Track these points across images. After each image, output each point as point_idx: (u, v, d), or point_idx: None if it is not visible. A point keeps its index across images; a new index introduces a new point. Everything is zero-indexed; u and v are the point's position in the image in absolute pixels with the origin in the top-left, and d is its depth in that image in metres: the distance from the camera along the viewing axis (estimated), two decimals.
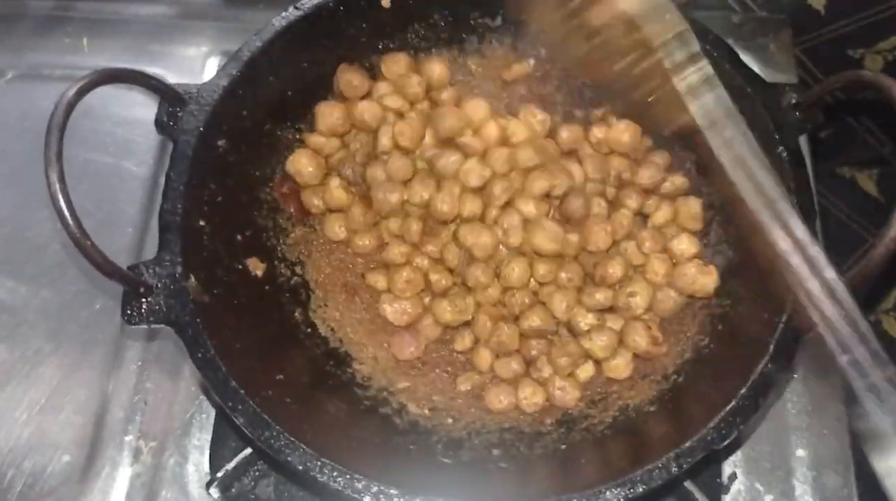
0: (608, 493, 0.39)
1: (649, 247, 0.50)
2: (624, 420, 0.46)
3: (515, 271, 0.48)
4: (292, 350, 0.48)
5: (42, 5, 0.68)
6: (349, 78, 0.53)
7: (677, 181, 0.53)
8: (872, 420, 0.36)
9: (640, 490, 0.39)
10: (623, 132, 0.52)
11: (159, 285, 0.42)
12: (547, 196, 0.50)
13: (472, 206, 0.49)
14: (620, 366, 0.48)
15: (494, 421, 0.48)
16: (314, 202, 0.52)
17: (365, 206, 0.51)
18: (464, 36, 0.55)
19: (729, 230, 0.51)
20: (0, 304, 0.56)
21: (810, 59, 0.75)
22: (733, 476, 0.52)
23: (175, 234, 0.43)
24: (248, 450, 0.48)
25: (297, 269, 0.52)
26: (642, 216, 0.53)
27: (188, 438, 0.52)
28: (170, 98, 0.46)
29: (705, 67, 0.43)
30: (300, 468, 0.39)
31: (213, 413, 0.52)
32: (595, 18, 0.44)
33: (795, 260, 0.39)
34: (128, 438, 0.52)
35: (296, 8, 0.50)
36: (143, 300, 0.42)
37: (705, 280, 0.49)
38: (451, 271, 0.50)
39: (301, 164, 0.52)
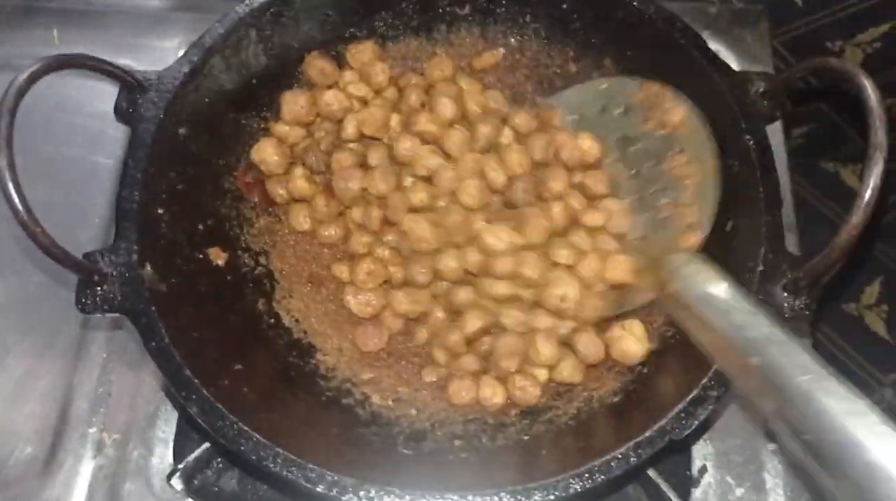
0: (566, 483, 0.38)
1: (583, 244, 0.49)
2: (588, 411, 0.46)
3: (451, 264, 0.47)
4: (254, 340, 0.48)
5: None
6: (321, 65, 0.52)
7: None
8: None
9: (599, 479, 0.39)
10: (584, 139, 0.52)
11: (114, 273, 0.42)
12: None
13: (421, 195, 0.48)
14: (568, 370, 0.48)
15: (459, 413, 0.48)
16: (279, 191, 0.52)
17: (329, 196, 0.51)
18: (432, 24, 0.55)
19: None
20: None
21: (789, 50, 0.75)
22: (703, 470, 0.51)
23: (131, 222, 0.43)
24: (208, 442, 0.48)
25: (262, 259, 0.51)
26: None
27: (153, 430, 0.52)
28: (129, 85, 0.46)
29: None
30: (253, 458, 0.38)
31: None
32: None
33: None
34: (91, 430, 0.51)
35: None
36: (98, 288, 0.41)
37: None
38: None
39: (266, 153, 0.51)
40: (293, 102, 0.51)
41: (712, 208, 0.47)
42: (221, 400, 0.40)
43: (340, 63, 0.54)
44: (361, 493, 0.38)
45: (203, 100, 0.48)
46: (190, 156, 0.48)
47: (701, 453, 0.52)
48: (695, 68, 0.49)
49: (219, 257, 0.49)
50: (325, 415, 0.46)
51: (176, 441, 0.51)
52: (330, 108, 0.52)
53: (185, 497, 0.49)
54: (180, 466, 0.48)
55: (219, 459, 0.50)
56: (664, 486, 0.48)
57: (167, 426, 0.52)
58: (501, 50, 0.55)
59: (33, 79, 0.39)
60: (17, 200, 0.37)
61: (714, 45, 0.65)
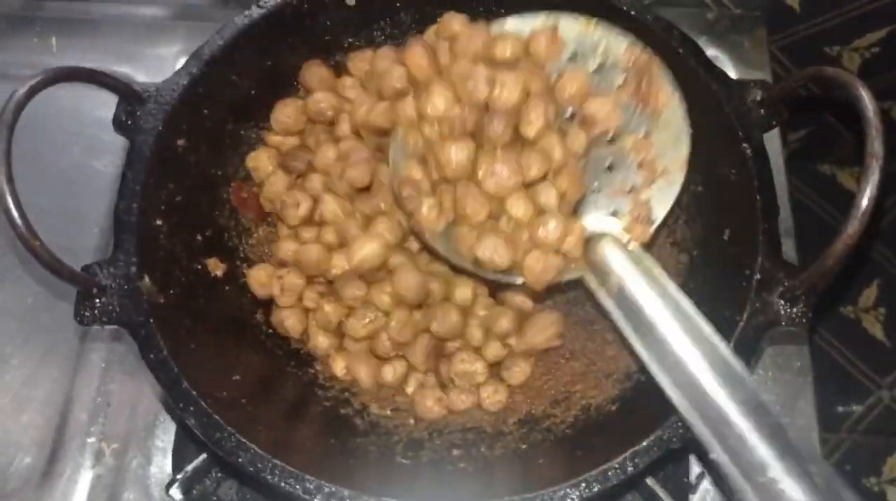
0: (563, 493, 0.39)
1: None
2: (585, 419, 0.46)
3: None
4: (252, 351, 0.48)
5: (10, 4, 0.67)
6: (320, 73, 0.52)
7: None
8: None
9: (596, 489, 0.39)
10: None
11: (113, 285, 0.42)
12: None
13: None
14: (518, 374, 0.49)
15: (457, 421, 0.48)
16: (268, 200, 0.52)
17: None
18: None
19: (694, 229, 0.50)
20: None
21: (787, 56, 0.75)
22: (701, 476, 0.51)
23: (130, 234, 0.43)
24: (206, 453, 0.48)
25: None
26: None
27: (151, 440, 0.52)
28: (128, 97, 0.46)
29: None
30: (251, 469, 0.39)
31: None
32: None
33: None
34: (90, 440, 0.52)
35: (259, 6, 0.50)
36: (97, 300, 0.41)
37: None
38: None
39: (260, 162, 0.51)
40: (280, 111, 0.51)
41: (672, 201, 0.46)
42: (219, 412, 0.40)
43: (338, 73, 0.54)
44: None
45: (202, 111, 0.48)
46: (188, 168, 0.48)
47: (698, 459, 0.52)
48: (692, 76, 0.49)
49: (217, 268, 0.49)
50: (323, 425, 0.46)
51: (175, 450, 0.51)
52: (319, 107, 0.51)
53: None
54: (179, 476, 0.48)
55: (218, 469, 0.50)
56: (661, 493, 0.48)
57: (166, 435, 0.52)
58: None
59: (32, 93, 0.39)
60: (16, 214, 0.37)
61: (712, 51, 0.66)
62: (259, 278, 0.49)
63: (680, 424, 0.40)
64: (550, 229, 0.43)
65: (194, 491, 0.49)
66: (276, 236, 0.52)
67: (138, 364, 0.53)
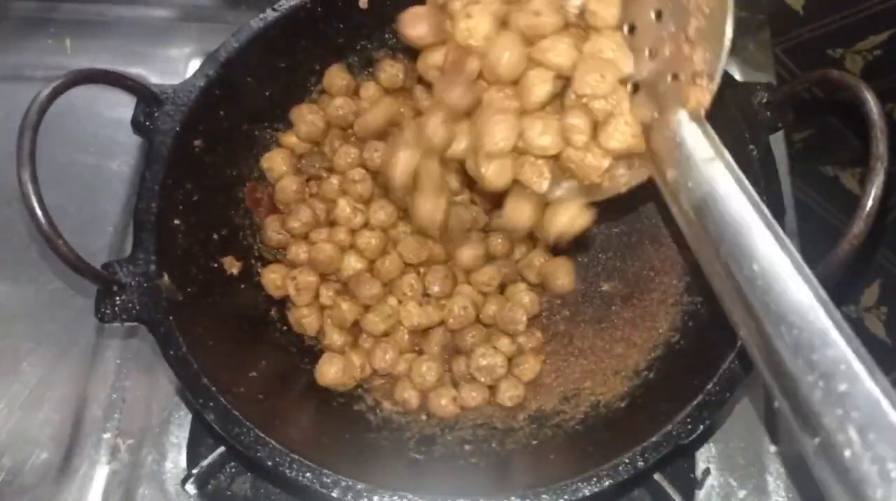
0: (575, 487, 0.39)
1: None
2: (595, 415, 0.47)
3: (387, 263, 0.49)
4: (267, 348, 0.49)
5: (25, 6, 0.68)
6: (343, 79, 0.54)
7: None
8: None
9: (607, 484, 0.40)
10: None
11: (133, 283, 0.42)
12: None
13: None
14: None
15: (468, 418, 0.49)
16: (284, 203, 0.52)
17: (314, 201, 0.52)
18: None
19: None
20: None
21: (791, 58, 0.76)
22: (707, 472, 0.52)
23: (149, 233, 0.44)
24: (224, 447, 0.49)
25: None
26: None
27: (166, 436, 0.53)
28: (146, 98, 0.47)
29: None
30: (269, 463, 0.39)
31: None
32: None
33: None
34: (106, 436, 0.52)
35: (273, 9, 0.51)
36: (117, 298, 0.42)
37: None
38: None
39: (274, 162, 0.52)
40: (302, 118, 0.52)
41: (725, 50, 0.37)
42: (238, 407, 0.41)
43: (352, 73, 0.55)
44: (375, 498, 0.39)
45: (218, 112, 0.49)
46: (205, 168, 0.48)
47: (704, 456, 0.53)
48: None
49: (233, 266, 0.49)
50: (337, 421, 0.47)
51: (189, 446, 0.52)
52: (339, 113, 0.52)
53: None
54: (194, 471, 0.49)
55: (232, 464, 0.51)
56: (668, 488, 0.49)
57: (181, 431, 0.53)
58: None
59: (56, 94, 0.40)
60: (40, 214, 0.38)
61: None
62: (273, 280, 0.50)
63: (688, 420, 0.41)
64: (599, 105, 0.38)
65: (209, 486, 0.50)
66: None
67: (153, 360, 0.54)
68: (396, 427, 0.48)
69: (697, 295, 0.49)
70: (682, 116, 0.38)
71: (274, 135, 0.53)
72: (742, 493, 0.52)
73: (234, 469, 0.51)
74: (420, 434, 0.48)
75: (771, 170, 0.47)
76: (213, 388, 0.41)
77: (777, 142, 0.59)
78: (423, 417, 0.49)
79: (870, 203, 0.39)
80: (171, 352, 0.41)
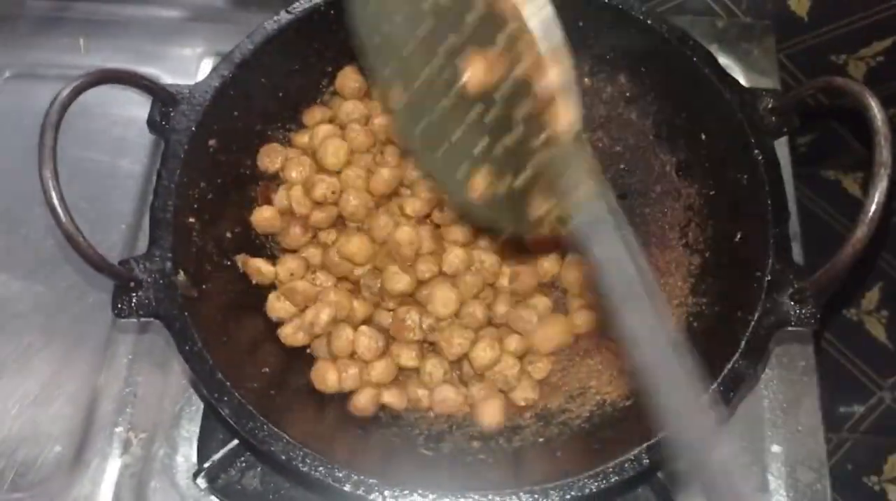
0: (582, 483, 0.40)
1: None
2: (601, 414, 0.48)
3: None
4: (279, 344, 0.49)
5: (40, 5, 0.69)
6: (356, 81, 0.54)
7: None
8: None
9: (613, 480, 0.40)
10: None
11: (149, 280, 0.43)
12: None
13: None
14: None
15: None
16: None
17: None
18: None
19: (706, 231, 0.52)
20: None
21: (794, 64, 0.77)
22: None
23: (165, 231, 0.44)
24: (235, 442, 0.49)
25: None
26: None
27: (177, 430, 0.53)
28: (162, 98, 0.47)
29: None
30: (283, 458, 0.40)
31: (201, 405, 0.53)
32: None
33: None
34: (118, 430, 0.53)
35: (287, 12, 0.51)
36: (133, 294, 0.43)
37: None
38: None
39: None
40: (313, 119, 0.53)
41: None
42: (251, 402, 0.42)
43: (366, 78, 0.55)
44: (386, 492, 0.40)
45: (232, 112, 0.50)
46: (219, 167, 0.49)
47: None
48: (706, 84, 0.50)
49: (246, 264, 0.50)
50: (347, 417, 0.48)
51: (200, 440, 0.53)
52: (351, 117, 0.53)
53: (209, 495, 0.50)
54: (205, 465, 0.50)
55: (242, 458, 0.51)
56: (672, 487, 0.50)
57: (192, 425, 0.53)
58: None
59: (77, 93, 0.40)
60: (60, 211, 0.38)
61: (722, 59, 0.67)
62: (293, 336, 0.50)
63: None
64: None
65: (219, 480, 0.51)
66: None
67: (165, 356, 0.55)
68: (406, 424, 0.48)
69: (702, 296, 0.50)
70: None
71: (286, 135, 0.54)
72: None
73: (244, 464, 0.51)
74: (429, 430, 0.48)
75: (776, 174, 0.48)
76: (228, 383, 0.41)
77: (780, 146, 0.60)
78: (432, 414, 0.49)
79: (873, 208, 0.40)
80: (187, 348, 0.42)
